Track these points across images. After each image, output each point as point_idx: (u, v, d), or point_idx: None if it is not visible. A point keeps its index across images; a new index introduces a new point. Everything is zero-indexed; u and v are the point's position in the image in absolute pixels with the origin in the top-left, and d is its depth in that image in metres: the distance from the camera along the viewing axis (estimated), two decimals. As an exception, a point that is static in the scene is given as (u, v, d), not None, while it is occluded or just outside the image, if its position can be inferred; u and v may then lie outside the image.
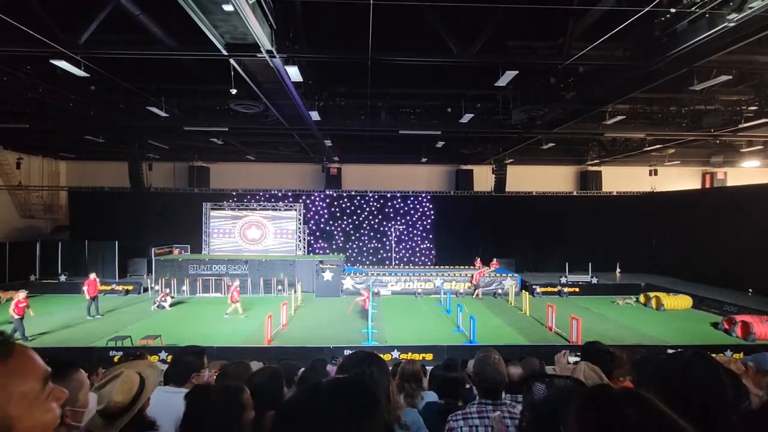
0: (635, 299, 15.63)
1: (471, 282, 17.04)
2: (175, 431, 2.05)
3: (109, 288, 16.51)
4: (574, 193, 22.40)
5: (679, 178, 22.49)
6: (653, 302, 14.74)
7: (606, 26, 6.95)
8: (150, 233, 19.52)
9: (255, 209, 20.23)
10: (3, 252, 17.66)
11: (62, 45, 7.45)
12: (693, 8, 6.19)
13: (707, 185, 22.66)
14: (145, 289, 17.06)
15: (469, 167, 22.22)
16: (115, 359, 8.60)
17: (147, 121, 12.89)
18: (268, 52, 7.04)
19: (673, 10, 6.47)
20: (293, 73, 7.94)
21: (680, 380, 1.27)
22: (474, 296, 16.48)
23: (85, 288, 12.86)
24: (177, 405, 2.17)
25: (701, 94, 11.55)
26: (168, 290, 15.02)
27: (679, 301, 14.46)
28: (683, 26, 6.87)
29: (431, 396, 3.13)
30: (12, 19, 6.53)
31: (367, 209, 21.67)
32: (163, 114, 11.73)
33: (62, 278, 17.48)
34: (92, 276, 13.07)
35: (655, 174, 21.60)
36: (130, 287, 17.03)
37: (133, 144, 17.70)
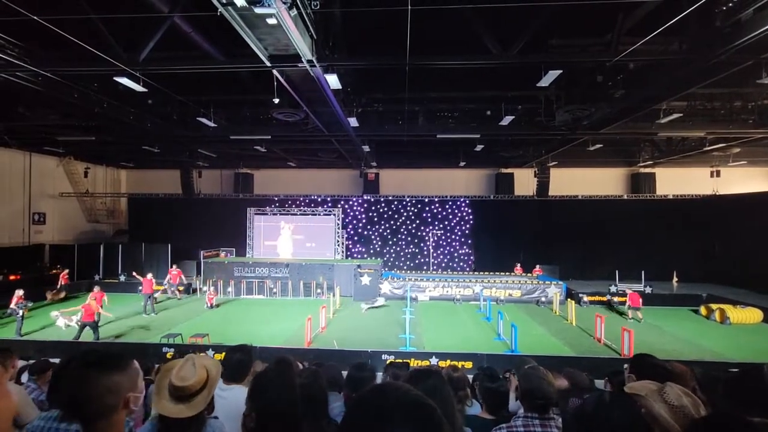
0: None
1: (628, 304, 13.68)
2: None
3: (162, 288, 17.59)
4: (625, 197, 21.09)
5: (745, 179, 20.55)
6: (717, 315, 13.54)
7: (659, 19, 6.53)
8: (199, 237, 20.68)
9: (296, 214, 20.86)
10: (72, 253, 19.39)
11: (124, 63, 8.09)
12: (760, -5, 5.70)
13: (779, 187, 20.60)
14: (194, 290, 18.01)
15: (509, 170, 21.62)
16: (168, 355, 9.15)
17: (197, 131, 13.69)
18: (309, 61, 7.25)
19: (736, -2, 5.99)
20: (332, 81, 8.13)
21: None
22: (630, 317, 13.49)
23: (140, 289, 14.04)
24: (229, 399, 2.37)
25: (771, 87, 10.53)
26: (215, 291, 15.78)
27: (747, 315, 13.18)
28: (748, 15, 6.33)
29: (475, 406, 3.05)
30: (83, 42, 7.24)
31: (405, 214, 21.66)
32: (211, 124, 12.39)
33: (122, 278, 18.87)
34: (149, 276, 14.16)
35: (718, 175, 19.90)
36: (181, 288, 18.04)
37: (185, 153, 18.85)
